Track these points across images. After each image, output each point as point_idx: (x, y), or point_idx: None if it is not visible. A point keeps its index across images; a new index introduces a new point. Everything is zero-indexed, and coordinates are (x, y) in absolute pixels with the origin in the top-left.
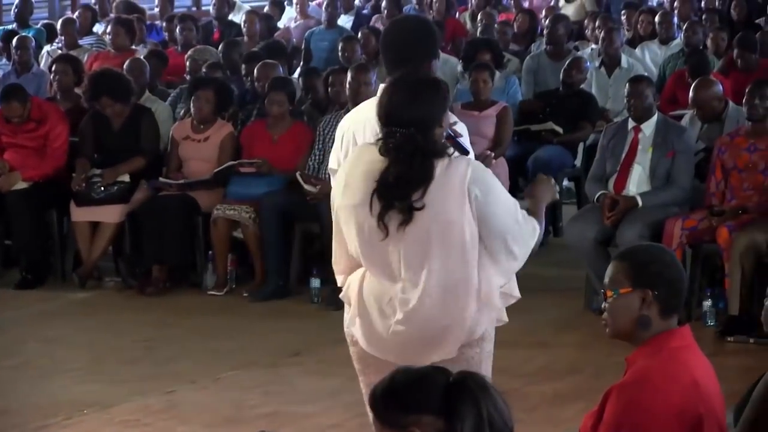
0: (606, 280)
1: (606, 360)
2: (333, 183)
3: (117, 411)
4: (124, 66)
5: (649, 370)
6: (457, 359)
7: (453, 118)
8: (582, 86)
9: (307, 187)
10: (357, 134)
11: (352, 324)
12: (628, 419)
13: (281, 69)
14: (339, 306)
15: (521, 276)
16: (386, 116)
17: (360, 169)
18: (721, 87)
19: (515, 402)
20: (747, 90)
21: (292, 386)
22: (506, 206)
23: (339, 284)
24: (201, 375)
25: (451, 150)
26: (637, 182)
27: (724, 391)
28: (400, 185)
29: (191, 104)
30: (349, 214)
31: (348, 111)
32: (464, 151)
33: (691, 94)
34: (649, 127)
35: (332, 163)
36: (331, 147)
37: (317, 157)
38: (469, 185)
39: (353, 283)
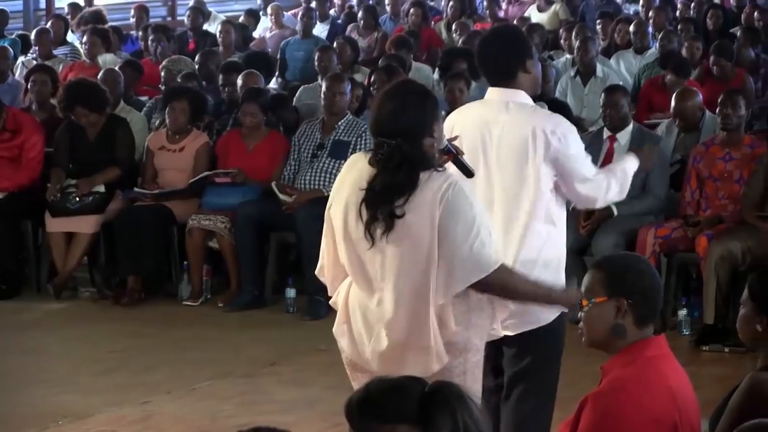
0: (582, 289)
1: (582, 369)
2: (333, 192)
3: (93, 421)
4: (99, 76)
5: (625, 378)
6: (441, 370)
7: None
8: (557, 95)
9: (282, 196)
10: (461, 135)
11: (339, 332)
12: (604, 428)
13: (263, 79)
14: (315, 316)
15: None
16: (375, 127)
17: (352, 178)
18: (700, 96)
19: None
20: (720, 99)
21: (268, 396)
22: (472, 228)
23: (330, 292)
24: (176, 385)
25: (444, 162)
26: None
27: (700, 399)
28: (386, 194)
29: (166, 115)
30: (339, 221)
31: (322, 121)
32: (467, 171)
33: (672, 103)
34: (624, 136)
35: None
36: (307, 157)
37: (292, 167)
38: (442, 203)
39: (342, 290)
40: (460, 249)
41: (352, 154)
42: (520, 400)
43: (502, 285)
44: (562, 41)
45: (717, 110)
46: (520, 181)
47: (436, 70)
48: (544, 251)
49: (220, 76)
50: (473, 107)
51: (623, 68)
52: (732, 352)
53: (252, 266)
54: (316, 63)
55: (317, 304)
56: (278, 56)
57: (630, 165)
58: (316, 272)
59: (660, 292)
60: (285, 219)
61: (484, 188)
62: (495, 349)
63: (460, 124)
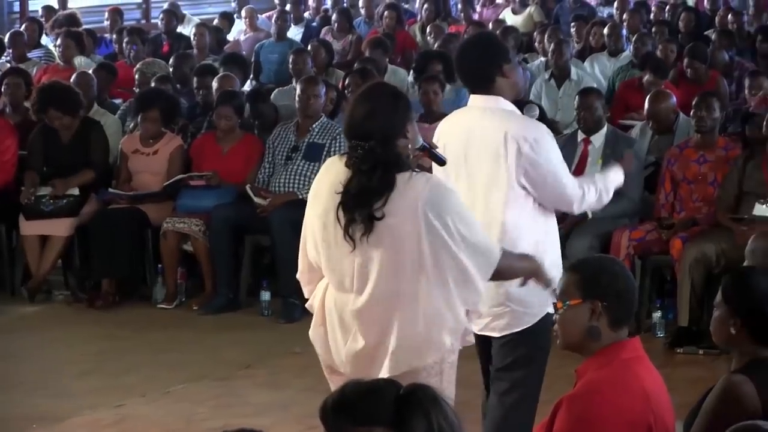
0: (557, 291)
1: (557, 371)
2: (310, 196)
3: (67, 425)
4: (72, 79)
5: (600, 381)
6: (417, 371)
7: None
8: (531, 98)
9: (257, 199)
10: (446, 143)
11: (314, 334)
12: (579, 430)
13: (238, 81)
14: (289, 318)
15: None
16: (348, 130)
17: (328, 181)
18: (674, 99)
19: (466, 414)
20: (694, 102)
21: (242, 399)
22: (464, 224)
23: (306, 295)
24: (151, 388)
25: (419, 162)
26: None
27: (674, 402)
28: (362, 197)
29: (138, 122)
30: (316, 225)
31: (297, 124)
32: (440, 161)
33: (646, 105)
34: (598, 139)
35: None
36: (281, 160)
37: (267, 170)
38: (425, 206)
39: (318, 293)
40: (472, 245)
41: (326, 156)
42: (504, 394)
43: (508, 267)
44: (536, 44)
45: (691, 113)
46: (495, 185)
47: (411, 72)
48: (542, 255)
49: (195, 79)
50: (457, 115)
51: (597, 71)
52: (706, 354)
53: (226, 269)
54: (290, 66)
55: (292, 307)
56: (252, 59)
57: (615, 177)
58: (297, 276)
59: (634, 295)
60: (259, 222)
61: (465, 194)
62: (486, 347)
63: (446, 132)
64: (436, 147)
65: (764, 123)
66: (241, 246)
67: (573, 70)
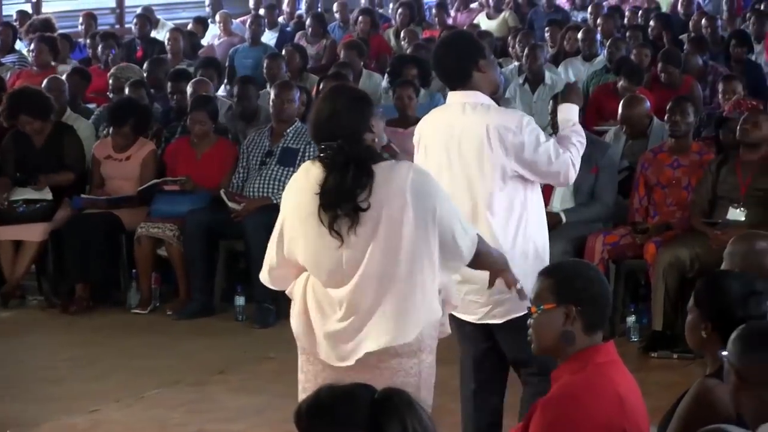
0: (531, 296)
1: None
2: (286, 198)
3: (41, 430)
4: (43, 84)
5: (574, 385)
6: (395, 369)
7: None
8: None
9: (231, 204)
10: (428, 139)
11: (297, 322)
12: None
13: (213, 86)
14: (264, 324)
15: None
16: (315, 132)
17: (305, 184)
18: (648, 103)
19: (441, 418)
20: (669, 106)
21: (217, 404)
22: (447, 205)
23: (281, 287)
24: (125, 393)
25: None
26: (560, 199)
27: (648, 406)
28: (340, 193)
29: (110, 134)
30: (299, 226)
31: (271, 129)
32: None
33: (620, 110)
34: None
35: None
36: (256, 165)
37: (241, 175)
38: (410, 188)
39: (299, 281)
40: (453, 227)
41: (301, 161)
42: (528, 381)
43: (486, 253)
44: (510, 49)
45: (665, 117)
46: (482, 178)
47: (386, 77)
48: (528, 242)
49: (169, 84)
50: (436, 113)
51: (572, 75)
52: (680, 358)
53: (201, 274)
54: (264, 70)
55: (266, 312)
56: (227, 64)
57: (573, 116)
58: (260, 276)
59: (609, 299)
60: (234, 227)
61: (449, 188)
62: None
63: (427, 130)
64: (397, 153)
65: (737, 127)
66: (215, 251)
67: (547, 75)
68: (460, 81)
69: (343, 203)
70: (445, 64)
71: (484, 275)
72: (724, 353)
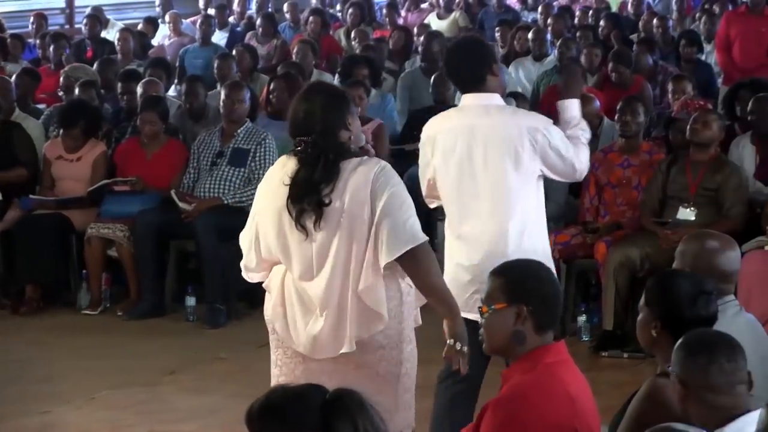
0: (482, 295)
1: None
2: (260, 191)
3: None
4: None
5: (525, 385)
6: (378, 360)
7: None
8: (456, 103)
9: (181, 204)
10: (446, 141)
11: (274, 315)
12: None
13: (163, 86)
14: (215, 324)
15: None
16: (292, 128)
17: (279, 176)
18: (598, 103)
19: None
20: (619, 106)
21: (168, 405)
22: (402, 201)
23: (254, 281)
24: (76, 395)
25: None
26: None
27: (599, 405)
28: (307, 186)
29: (60, 135)
30: (270, 218)
31: (222, 129)
32: None
33: None
34: None
35: (426, 172)
36: (206, 165)
37: (192, 175)
38: (372, 183)
39: (276, 274)
40: (396, 220)
41: (252, 162)
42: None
43: (424, 260)
44: None
45: (616, 117)
46: (511, 177)
47: (336, 77)
48: (537, 241)
49: (119, 84)
50: (450, 115)
51: (522, 75)
52: (631, 357)
53: (151, 275)
54: (215, 71)
55: (217, 313)
56: (177, 64)
57: (576, 112)
58: (242, 263)
59: (560, 299)
60: (184, 227)
61: (469, 188)
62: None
63: (441, 132)
64: (374, 154)
65: (688, 127)
66: (166, 251)
67: None
68: (475, 84)
69: (308, 197)
70: (461, 68)
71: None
72: (671, 369)
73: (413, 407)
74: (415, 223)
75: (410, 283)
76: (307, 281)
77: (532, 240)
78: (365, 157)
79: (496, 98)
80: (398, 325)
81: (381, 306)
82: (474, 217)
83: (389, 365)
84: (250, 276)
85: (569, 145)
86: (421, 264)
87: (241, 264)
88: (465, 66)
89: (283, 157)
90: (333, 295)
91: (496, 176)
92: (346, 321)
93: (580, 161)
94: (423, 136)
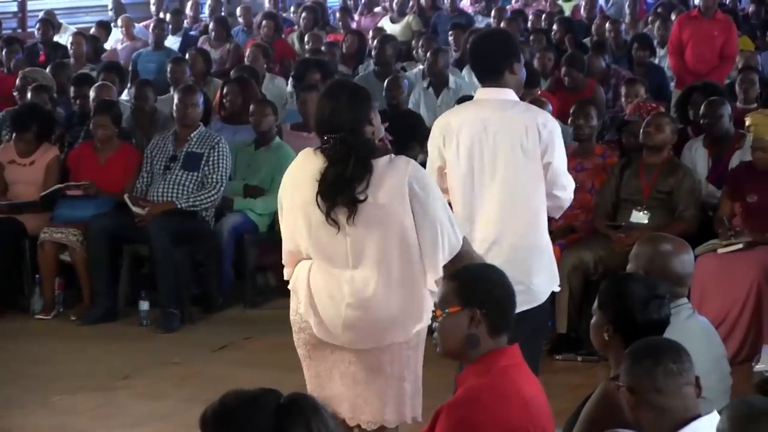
0: (437, 299)
1: (436, 379)
2: (285, 186)
3: None
4: None
5: (479, 388)
6: (397, 358)
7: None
8: (410, 106)
9: (135, 209)
10: (458, 135)
11: (306, 312)
12: None
13: (116, 91)
14: (168, 328)
15: None
16: (318, 126)
17: (306, 172)
18: (550, 106)
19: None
20: (572, 110)
21: (122, 409)
22: (442, 201)
23: (286, 277)
24: (29, 400)
25: (382, 147)
26: None
27: (554, 409)
28: (339, 183)
29: (13, 140)
30: (299, 212)
31: (175, 133)
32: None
33: None
34: None
35: (436, 161)
36: (160, 169)
37: (145, 179)
38: (410, 181)
39: (300, 274)
40: (442, 225)
41: (205, 166)
42: None
43: (468, 254)
44: (414, 52)
45: (569, 120)
46: (520, 172)
47: (290, 81)
48: (542, 236)
49: (72, 88)
50: (467, 107)
51: (475, 79)
52: (585, 361)
53: (105, 279)
54: (168, 75)
55: (171, 317)
56: (130, 68)
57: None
58: (285, 276)
59: (513, 302)
60: (138, 231)
61: (479, 179)
62: None
63: (455, 124)
64: (392, 139)
65: (641, 131)
66: (119, 256)
67: (451, 79)
68: (493, 77)
69: (341, 193)
70: (482, 57)
71: (511, 261)
72: (617, 382)
73: (419, 402)
74: (454, 224)
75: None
76: (343, 273)
77: (538, 235)
78: (392, 155)
79: (510, 93)
80: (420, 326)
81: (418, 304)
82: (482, 209)
83: (408, 347)
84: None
85: (566, 162)
86: (465, 258)
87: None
88: (486, 57)
89: (308, 151)
90: (371, 287)
91: (506, 170)
92: (384, 313)
93: (572, 183)
94: (435, 128)
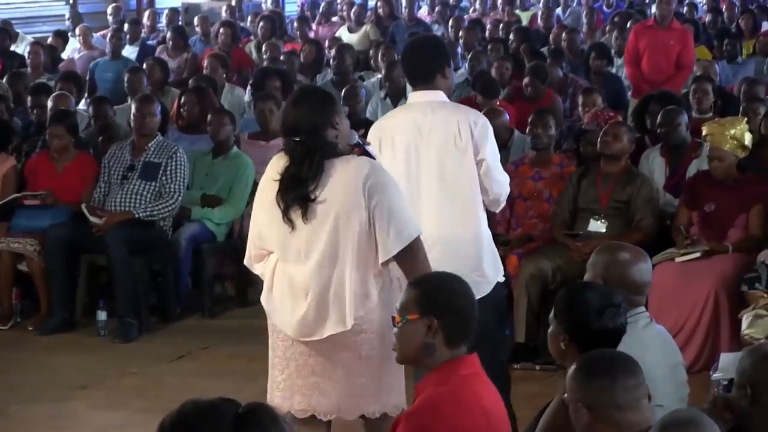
0: (397, 306)
1: None
2: (259, 187)
3: None
4: None
5: (438, 397)
6: (360, 343)
7: (355, 137)
8: (368, 116)
9: (92, 218)
10: (393, 138)
11: (267, 300)
12: None
13: (74, 100)
14: (126, 338)
15: None
16: (282, 129)
17: (273, 173)
18: (507, 116)
19: None
20: (530, 119)
21: (79, 420)
22: (398, 196)
23: (257, 272)
24: None
25: (357, 154)
26: None
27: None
28: (294, 183)
29: None
30: (265, 211)
31: (132, 143)
32: (372, 157)
33: None
34: None
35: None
36: (117, 179)
37: (102, 189)
38: (366, 179)
39: (269, 263)
40: (397, 218)
41: (162, 176)
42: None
43: (419, 252)
44: (372, 62)
45: (527, 130)
46: (456, 170)
47: (248, 90)
48: (483, 231)
49: (29, 98)
50: (400, 111)
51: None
52: (543, 370)
53: (62, 289)
54: (125, 84)
55: (128, 327)
56: (87, 77)
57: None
58: (245, 262)
59: (473, 312)
60: (95, 241)
61: (416, 180)
62: None
63: (391, 127)
64: (368, 144)
65: (599, 140)
66: (76, 266)
67: (408, 88)
68: (425, 80)
69: (295, 192)
70: (413, 63)
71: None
72: (565, 396)
73: (402, 390)
74: (412, 216)
75: (398, 276)
76: (296, 268)
77: (479, 228)
78: (353, 155)
79: (441, 95)
80: (381, 311)
81: (368, 293)
82: (422, 207)
83: (371, 349)
84: (253, 268)
85: (498, 158)
86: (416, 255)
87: (244, 260)
88: (417, 62)
89: (277, 156)
90: (319, 281)
91: (441, 168)
92: (329, 305)
93: (507, 182)
94: (371, 134)
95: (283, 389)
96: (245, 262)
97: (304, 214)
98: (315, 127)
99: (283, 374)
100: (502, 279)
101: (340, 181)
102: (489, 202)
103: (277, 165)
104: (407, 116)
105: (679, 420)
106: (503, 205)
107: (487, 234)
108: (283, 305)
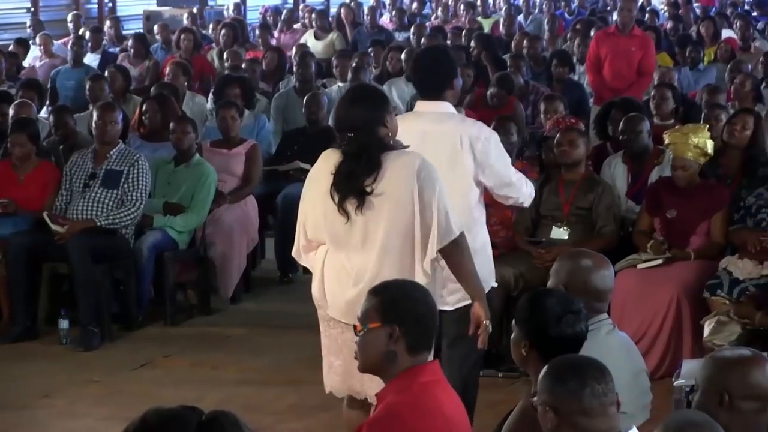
0: (359, 313)
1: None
2: (307, 181)
3: None
4: None
5: (399, 405)
6: None
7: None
8: (330, 124)
9: (54, 227)
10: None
11: (318, 293)
12: None
13: (35, 108)
14: (88, 346)
15: (272, 312)
16: (336, 124)
17: (325, 168)
18: None
19: None
20: (492, 126)
21: (42, 428)
22: (443, 194)
23: (304, 263)
24: None
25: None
26: None
27: (474, 425)
28: (350, 177)
29: None
30: (316, 203)
31: (94, 151)
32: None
33: None
34: None
35: None
36: (79, 187)
37: (64, 197)
38: (418, 171)
39: (319, 254)
40: (443, 212)
41: (125, 183)
42: (463, 358)
43: (465, 248)
44: (334, 69)
45: None
46: (456, 180)
47: (210, 97)
48: (480, 239)
49: None
50: (407, 119)
51: (395, 95)
52: (506, 377)
53: (24, 297)
54: (87, 92)
55: (90, 335)
56: (49, 85)
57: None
58: (293, 254)
59: (434, 320)
60: (57, 249)
61: None
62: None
63: (399, 136)
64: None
65: (554, 146)
66: (38, 274)
67: None
68: (435, 92)
69: (351, 186)
70: (426, 74)
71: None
72: (534, 399)
73: None
74: (453, 215)
75: (443, 265)
76: (349, 257)
77: (474, 239)
78: (404, 150)
79: (447, 106)
80: None
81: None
82: None
83: None
84: (300, 260)
85: (513, 169)
86: (463, 251)
87: (292, 252)
88: (429, 75)
89: (330, 151)
90: (373, 269)
91: (443, 178)
92: None
93: (523, 186)
94: None
95: (342, 373)
96: (293, 253)
97: (359, 205)
98: (369, 123)
99: (339, 359)
100: (494, 284)
101: (394, 174)
102: (519, 204)
103: (326, 160)
104: (413, 125)
105: (692, 422)
106: (531, 198)
107: (480, 245)
108: (333, 290)
